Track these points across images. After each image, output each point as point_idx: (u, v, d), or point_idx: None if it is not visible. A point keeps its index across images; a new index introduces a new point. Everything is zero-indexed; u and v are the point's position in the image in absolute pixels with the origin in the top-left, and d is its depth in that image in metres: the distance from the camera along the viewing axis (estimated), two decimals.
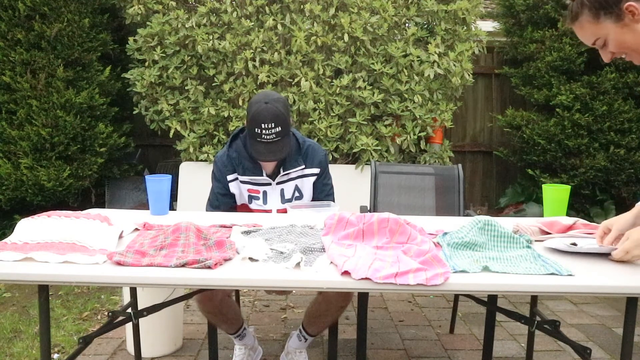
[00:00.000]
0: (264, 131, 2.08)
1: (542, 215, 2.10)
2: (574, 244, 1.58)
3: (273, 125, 2.08)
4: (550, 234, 1.75)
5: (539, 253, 1.50)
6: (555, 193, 2.04)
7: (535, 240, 1.69)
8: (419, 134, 4.12)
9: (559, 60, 4.56)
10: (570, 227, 1.75)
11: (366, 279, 1.29)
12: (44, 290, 1.41)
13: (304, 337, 2.26)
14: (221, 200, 2.27)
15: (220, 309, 2.14)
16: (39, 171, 3.93)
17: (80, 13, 4.16)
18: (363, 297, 1.92)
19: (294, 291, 3.41)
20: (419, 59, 4.04)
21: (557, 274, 1.35)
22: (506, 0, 5.12)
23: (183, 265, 1.36)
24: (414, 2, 4.15)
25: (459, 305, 2.94)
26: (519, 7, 4.90)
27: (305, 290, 3.14)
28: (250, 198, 2.27)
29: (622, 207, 4.28)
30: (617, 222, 1.53)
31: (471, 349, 2.73)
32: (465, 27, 4.27)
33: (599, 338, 2.89)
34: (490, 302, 2.23)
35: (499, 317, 2.85)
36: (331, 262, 1.41)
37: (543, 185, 2.09)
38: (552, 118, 4.67)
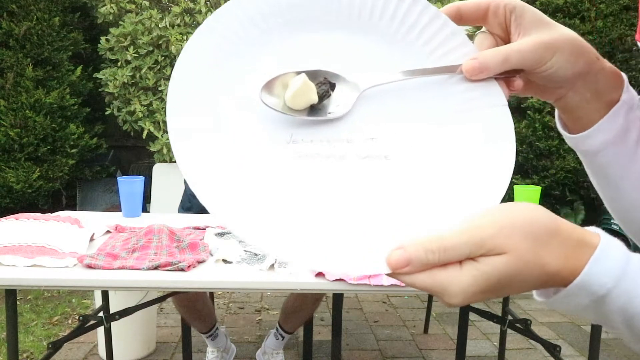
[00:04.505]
0: None
1: None
2: None
3: None
4: None
5: None
6: (527, 194, 2.07)
7: None
8: None
9: None
10: None
11: (340, 279, 1.29)
12: (11, 294, 1.38)
13: (280, 335, 2.27)
14: (193, 202, 2.26)
15: (195, 304, 2.13)
16: (7, 173, 3.84)
17: (50, 11, 4.08)
18: (338, 298, 1.92)
19: (268, 292, 3.40)
20: None
21: None
22: None
23: (156, 268, 1.34)
24: None
25: (432, 306, 2.97)
26: None
27: (280, 291, 3.13)
28: None
29: (591, 207, 4.37)
30: None
31: (445, 348, 2.75)
32: None
33: (569, 336, 2.95)
34: None
35: (472, 316, 2.88)
36: None
37: (515, 187, 2.12)
38: (523, 120, 4.76)
